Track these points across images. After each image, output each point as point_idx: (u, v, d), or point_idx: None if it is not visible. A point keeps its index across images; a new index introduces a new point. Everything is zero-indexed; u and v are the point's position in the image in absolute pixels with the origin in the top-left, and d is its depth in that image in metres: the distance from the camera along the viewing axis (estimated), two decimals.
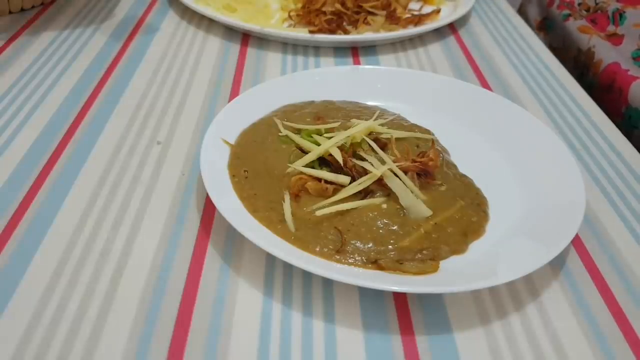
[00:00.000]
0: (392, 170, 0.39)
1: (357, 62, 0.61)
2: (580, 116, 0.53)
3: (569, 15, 0.71)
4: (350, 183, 0.39)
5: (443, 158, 0.43)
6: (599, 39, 0.65)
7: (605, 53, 0.64)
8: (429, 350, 0.32)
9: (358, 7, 0.67)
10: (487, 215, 0.40)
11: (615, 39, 0.63)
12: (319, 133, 0.44)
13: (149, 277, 0.35)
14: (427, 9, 0.71)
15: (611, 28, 0.64)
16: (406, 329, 0.33)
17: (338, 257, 0.36)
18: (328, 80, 0.52)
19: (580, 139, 0.50)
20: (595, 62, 0.64)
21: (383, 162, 0.40)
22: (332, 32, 0.63)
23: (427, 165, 0.41)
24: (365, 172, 0.39)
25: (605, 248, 0.39)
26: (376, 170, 0.39)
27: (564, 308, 0.35)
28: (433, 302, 0.35)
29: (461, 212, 0.39)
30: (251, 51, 0.62)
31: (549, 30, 0.77)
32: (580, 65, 0.68)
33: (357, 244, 0.36)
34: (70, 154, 0.45)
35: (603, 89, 0.63)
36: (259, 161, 0.42)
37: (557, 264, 0.38)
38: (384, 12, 0.66)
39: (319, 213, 0.37)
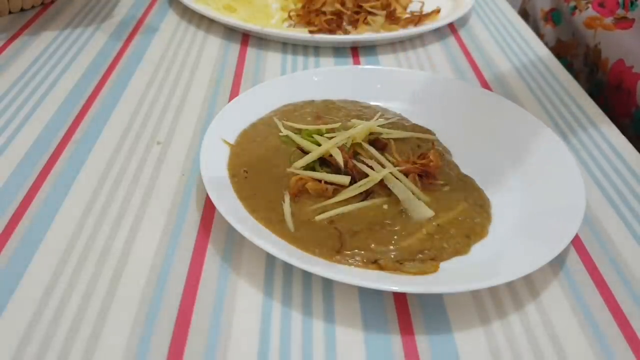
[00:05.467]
0: (392, 173, 0.39)
1: (357, 62, 0.61)
2: (580, 116, 0.53)
3: (575, 7, 0.69)
4: (350, 183, 0.39)
5: (445, 159, 0.43)
6: (604, 31, 0.64)
7: (610, 50, 0.63)
8: (429, 350, 0.32)
9: (358, 7, 0.67)
10: (490, 217, 0.40)
11: (624, 23, 0.62)
12: (320, 133, 0.44)
13: (149, 277, 0.35)
14: (427, 9, 0.71)
15: (621, 12, 0.63)
16: (406, 329, 0.33)
17: (338, 257, 0.36)
18: (328, 80, 0.52)
19: (580, 139, 0.50)
20: (603, 61, 0.64)
21: (384, 165, 0.40)
22: (332, 32, 0.63)
23: (428, 166, 0.41)
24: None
25: (605, 248, 0.39)
26: (377, 173, 0.39)
27: (564, 308, 0.35)
28: (433, 302, 0.35)
29: (464, 214, 0.39)
30: (251, 51, 0.62)
31: (557, 22, 0.75)
32: (590, 63, 0.67)
33: (357, 244, 0.36)
34: (70, 154, 0.45)
35: (612, 88, 0.62)
36: (259, 161, 0.42)
37: (557, 264, 0.38)
38: (384, 12, 0.66)
39: (318, 218, 0.37)
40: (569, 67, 0.70)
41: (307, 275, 0.36)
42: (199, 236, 0.38)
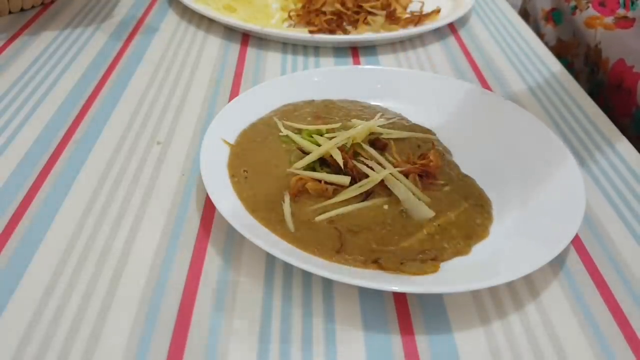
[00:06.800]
0: (392, 174, 0.39)
1: (357, 62, 0.61)
2: (580, 116, 0.53)
3: (576, 7, 0.69)
4: (350, 183, 0.39)
5: (445, 159, 0.43)
6: (604, 30, 0.64)
7: (611, 50, 0.63)
8: (429, 350, 0.32)
9: (358, 7, 0.67)
10: (490, 217, 0.40)
11: (624, 22, 0.62)
12: (320, 133, 0.44)
13: (149, 277, 0.35)
14: (427, 9, 0.71)
15: (621, 11, 0.63)
16: (406, 329, 0.33)
17: (338, 257, 0.35)
18: (328, 80, 0.52)
19: (580, 139, 0.50)
20: (603, 60, 0.64)
21: (384, 165, 0.40)
22: (332, 32, 0.63)
23: (428, 166, 0.41)
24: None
25: (605, 248, 0.39)
26: (377, 174, 0.39)
27: (564, 308, 0.35)
28: (433, 302, 0.35)
29: (465, 214, 0.39)
30: (251, 51, 0.62)
31: (558, 22, 0.75)
32: (590, 62, 0.67)
33: (358, 244, 0.36)
34: (70, 154, 0.45)
35: (613, 88, 0.62)
36: (259, 161, 0.42)
37: (557, 264, 0.38)
38: (384, 12, 0.66)
39: (318, 219, 0.37)
40: (569, 66, 0.70)
41: (307, 275, 0.36)
42: (199, 236, 0.38)
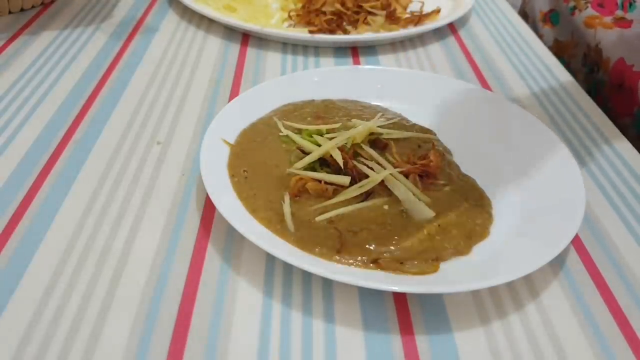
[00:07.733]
0: (392, 174, 0.39)
1: (357, 62, 0.61)
2: (580, 116, 0.53)
3: (575, 7, 0.69)
4: (351, 183, 0.39)
5: (445, 159, 0.43)
6: (604, 30, 0.64)
7: (611, 49, 0.63)
8: (429, 350, 0.32)
9: (358, 7, 0.67)
10: (491, 217, 0.40)
11: (623, 22, 0.62)
12: (320, 133, 0.44)
13: (149, 277, 0.35)
14: (427, 9, 0.71)
15: (619, 13, 0.63)
16: (406, 329, 0.33)
17: (338, 257, 0.35)
18: (328, 80, 0.52)
19: (580, 139, 0.50)
20: (604, 60, 0.64)
21: (384, 165, 0.40)
22: (332, 32, 0.63)
23: (429, 166, 0.41)
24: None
25: (605, 248, 0.39)
26: (377, 174, 0.39)
27: (564, 308, 0.35)
28: (433, 302, 0.35)
29: (465, 215, 0.39)
30: (251, 51, 0.62)
31: (556, 22, 0.75)
32: (590, 62, 0.67)
33: (358, 244, 0.36)
34: (70, 154, 0.45)
35: (614, 87, 0.62)
36: (259, 161, 0.42)
37: (557, 264, 0.38)
38: (384, 12, 0.66)
39: (318, 219, 0.37)
40: (566, 67, 0.70)
41: (307, 275, 0.36)
42: (199, 236, 0.38)
